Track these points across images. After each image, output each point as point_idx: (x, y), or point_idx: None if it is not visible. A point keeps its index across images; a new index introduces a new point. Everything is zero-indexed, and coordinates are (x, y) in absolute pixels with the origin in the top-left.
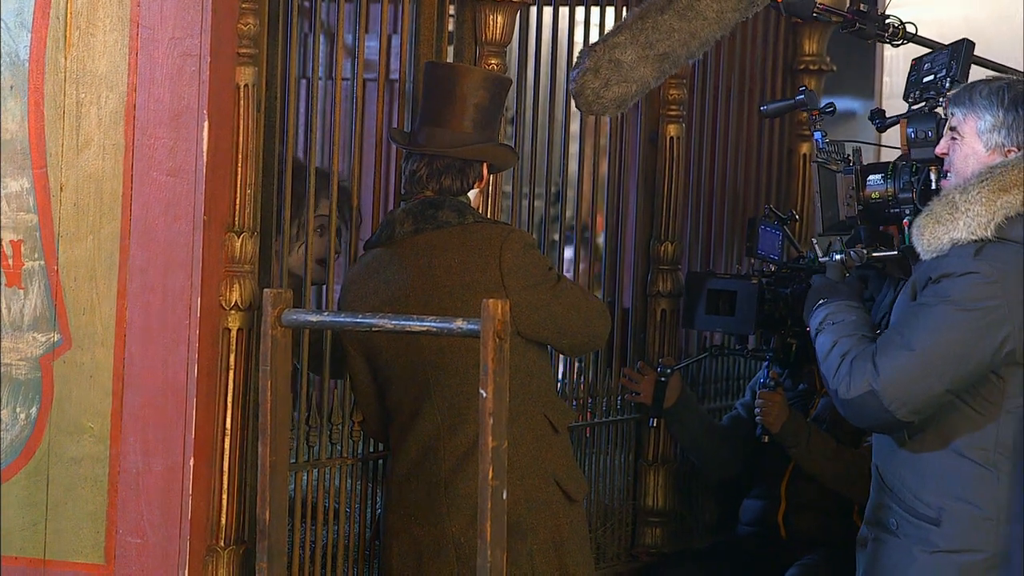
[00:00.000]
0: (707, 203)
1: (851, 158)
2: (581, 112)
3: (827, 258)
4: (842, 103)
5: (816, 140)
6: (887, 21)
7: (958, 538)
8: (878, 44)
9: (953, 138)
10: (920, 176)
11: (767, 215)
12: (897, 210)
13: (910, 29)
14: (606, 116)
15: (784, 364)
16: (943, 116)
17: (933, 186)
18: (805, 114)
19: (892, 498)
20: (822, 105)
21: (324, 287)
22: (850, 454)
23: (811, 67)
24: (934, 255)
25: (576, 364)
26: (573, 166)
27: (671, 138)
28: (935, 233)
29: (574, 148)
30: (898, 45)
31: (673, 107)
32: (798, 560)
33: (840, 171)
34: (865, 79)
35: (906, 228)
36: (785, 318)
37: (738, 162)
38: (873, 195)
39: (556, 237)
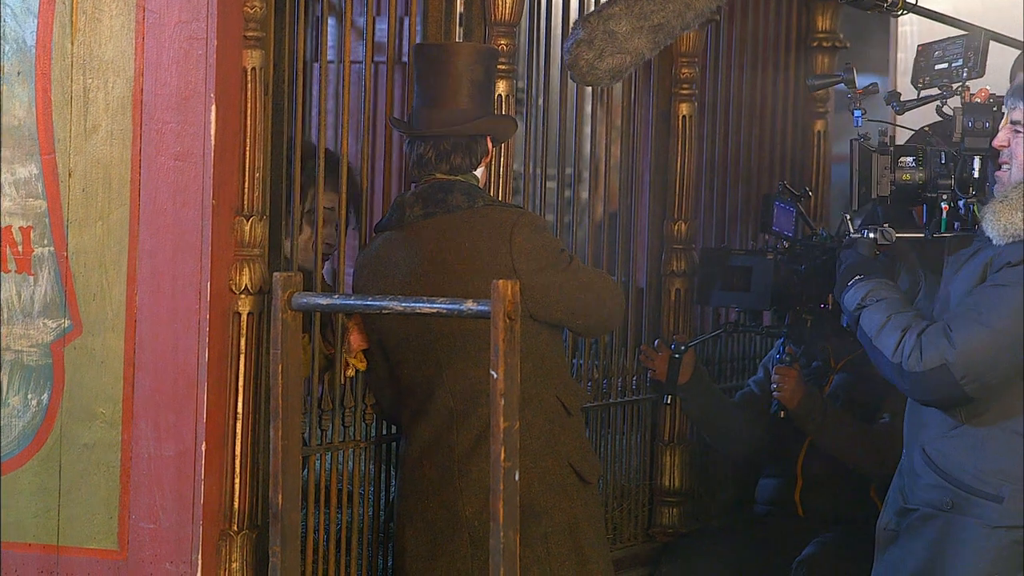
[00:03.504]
0: (721, 181)
1: (885, 139)
2: (576, 83)
3: (859, 234)
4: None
5: (855, 118)
6: None
7: (1020, 515)
8: (892, 20)
9: (1016, 131)
10: (957, 163)
11: (781, 191)
12: (934, 195)
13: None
14: (601, 86)
15: (799, 341)
16: (999, 110)
17: (975, 174)
18: (822, 92)
19: (946, 478)
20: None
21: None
22: (866, 430)
23: (824, 43)
24: (1010, 240)
25: (591, 344)
26: (585, 146)
27: (683, 116)
28: (1012, 219)
29: (586, 128)
30: (898, 15)
31: (685, 85)
32: (815, 538)
33: (876, 151)
34: (879, 56)
35: (944, 212)
36: (800, 294)
37: (751, 139)
38: (904, 177)
39: (568, 219)
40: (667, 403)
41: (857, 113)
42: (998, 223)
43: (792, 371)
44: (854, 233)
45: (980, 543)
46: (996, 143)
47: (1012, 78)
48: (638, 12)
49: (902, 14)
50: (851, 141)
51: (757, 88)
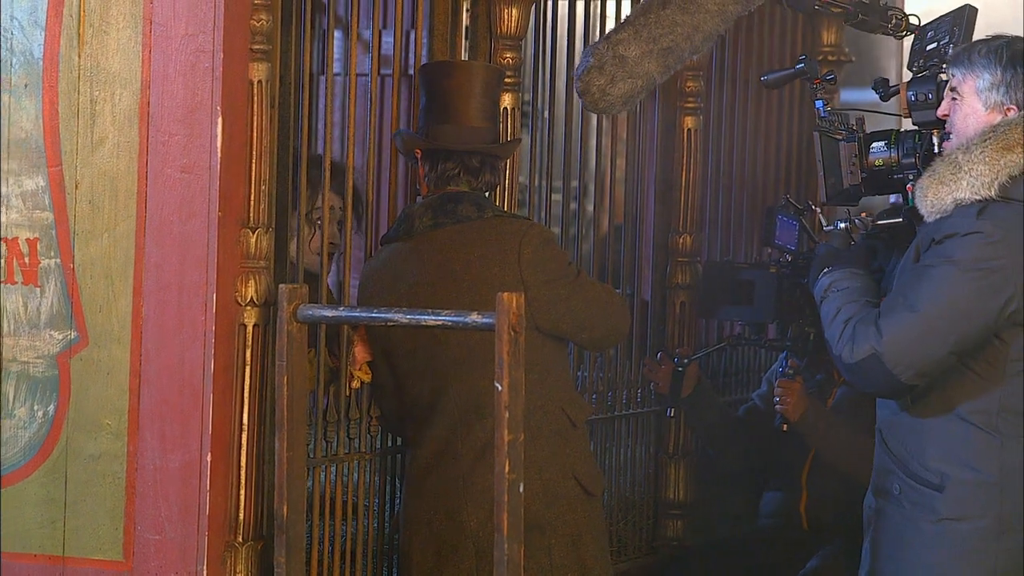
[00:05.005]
0: (726, 194)
1: (854, 126)
2: (588, 111)
3: (832, 226)
4: (862, 94)
5: (818, 108)
6: (890, 13)
7: (961, 504)
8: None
9: (953, 99)
10: (923, 141)
11: (784, 205)
12: (900, 176)
13: (913, 21)
14: (613, 113)
15: (802, 354)
16: (944, 79)
17: (936, 149)
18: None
19: (896, 463)
20: (823, 74)
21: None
22: (869, 443)
23: (829, 58)
24: (938, 216)
25: (596, 357)
26: (591, 158)
27: (688, 130)
28: (938, 194)
29: (591, 140)
30: (902, 37)
31: (690, 99)
32: (820, 550)
33: (843, 139)
34: (884, 70)
35: (910, 192)
36: (803, 307)
37: (757, 153)
38: (877, 162)
39: (573, 232)
40: (671, 416)
41: (819, 104)
42: (925, 199)
43: (795, 384)
44: (827, 227)
45: (928, 540)
46: (939, 113)
47: None
48: (647, 36)
49: (905, 35)
50: (813, 133)
51: (762, 102)
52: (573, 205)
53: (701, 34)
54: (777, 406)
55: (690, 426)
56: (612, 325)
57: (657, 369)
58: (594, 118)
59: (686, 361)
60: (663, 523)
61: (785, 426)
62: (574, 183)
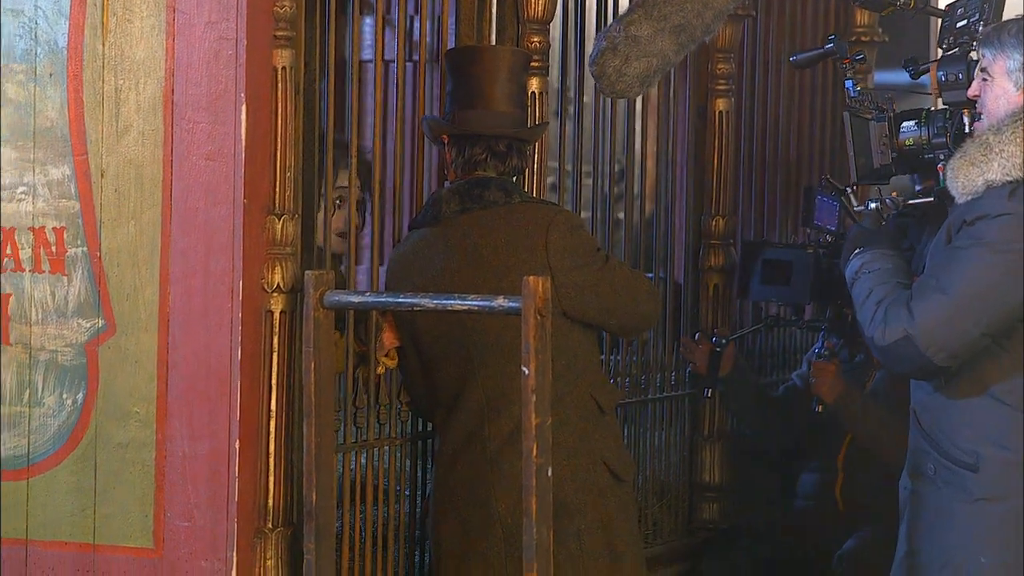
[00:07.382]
0: (758, 176)
1: (884, 106)
2: (605, 95)
3: (862, 207)
4: (896, 75)
5: (847, 88)
6: None
7: (994, 485)
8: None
9: (984, 79)
10: (954, 120)
11: (824, 185)
12: (931, 156)
13: None
14: (631, 97)
15: (840, 334)
16: (974, 58)
17: (967, 129)
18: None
19: (930, 444)
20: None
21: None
22: (904, 426)
23: (863, 38)
24: (969, 197)
25: (629, 341)
26: (622, 142)
27: (720, 112)
28: (969, 175)
29: (620, 125)
30: (912, 16)
31: (721, 81)
32: (856, 532)
33: (872, 119)
34: (919, 51)
35: (941, 173)
36: (841, 288)
37: (790, 134)
38: (907, 142)
39: (621, 216)
40: (707, 396)
41: (849, 83)
42: (956, 180)
43: (830, 366)
44: (858, 206)
45: (962, 521)
46: (970, 93)
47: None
48: (657, 15)
49: (914, 16)
50: (843, 113)
51: (795, 83)
52: (606, 188)
53: (711, 11)
54: (812, 388)
55: (727, 407)
56: (641, 312)
57: (695, 349)
58: (624, 100)
59: (724, 341)
60: (698, 506)
61: (820, 407)
62: (609, 167)
